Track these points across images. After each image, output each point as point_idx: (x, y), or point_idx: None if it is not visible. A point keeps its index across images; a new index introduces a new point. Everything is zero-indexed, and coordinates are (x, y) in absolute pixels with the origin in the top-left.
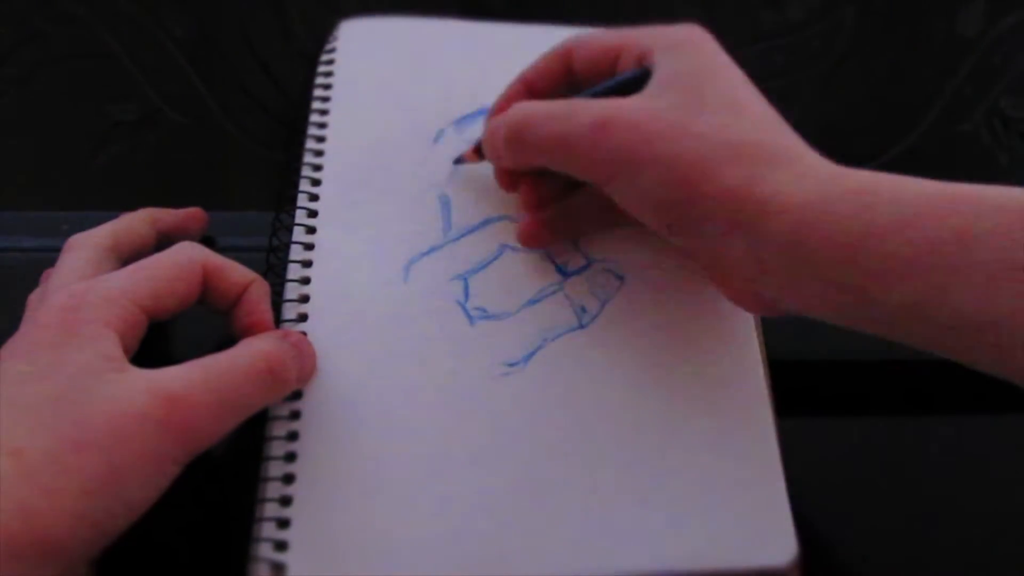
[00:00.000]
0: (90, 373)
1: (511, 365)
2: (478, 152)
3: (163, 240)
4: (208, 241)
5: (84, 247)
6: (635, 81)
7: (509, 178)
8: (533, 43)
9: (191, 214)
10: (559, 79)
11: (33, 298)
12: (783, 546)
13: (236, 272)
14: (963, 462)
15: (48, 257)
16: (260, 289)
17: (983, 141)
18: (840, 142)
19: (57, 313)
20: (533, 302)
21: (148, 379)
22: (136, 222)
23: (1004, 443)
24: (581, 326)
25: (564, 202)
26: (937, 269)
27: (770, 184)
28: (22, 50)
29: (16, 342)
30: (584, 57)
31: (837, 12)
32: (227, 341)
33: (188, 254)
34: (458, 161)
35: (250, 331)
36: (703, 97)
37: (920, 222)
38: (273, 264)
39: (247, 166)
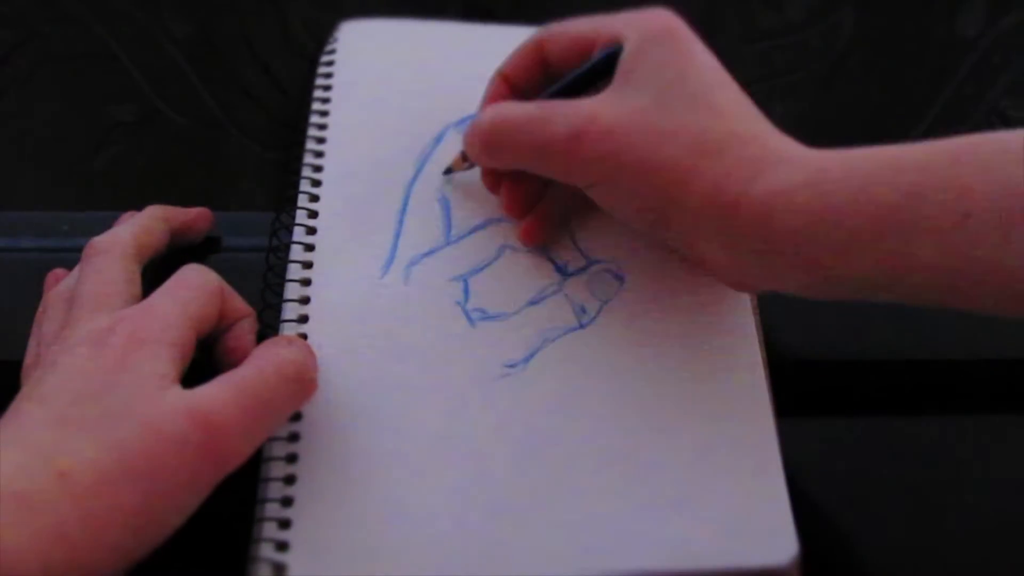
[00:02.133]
0: (139, 393)
1: (511, 366)
2: (466, 158)
3: (173, 239)
4: (213, 241)
5: (111, 254)
6: (606, 61)
7: (492, 178)
8: None
9: (201, 214)
10: (535, 71)
11: (53, 295)
12: (783, 545)
13: (238, 300)
14: (963, 462)
15: (48, 257)
16: (253, 323)
17: None
18: (840, 142)
19: (120, 338)
20: (533, 303)
21: (188, 402)
22: (153, 223)
23: (1003, 443)
24: (581, 326)
25: (551, 193)
26: (892, 233)
27: (737, 181)
28: (22, 50)
29: (78, 357)
30: (557, 48)
31: (837, 12)
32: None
33: (210, 276)
34: (447, 171)
35: (232, 355)
36: (676, 93)
37: (870, 190)
38: (273, 264)
39: (247, 166)
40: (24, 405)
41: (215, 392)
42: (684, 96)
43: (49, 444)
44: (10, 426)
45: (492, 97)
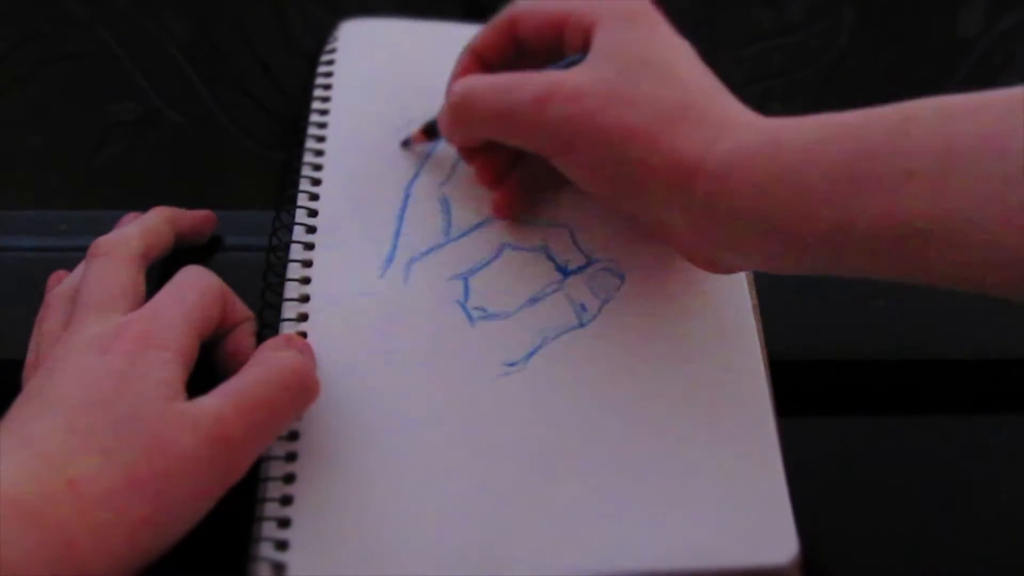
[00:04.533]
0: (148, 403)
1: (511, 364)
2: (426, 132)
3: (177, 241)
4: (215, 240)
5: (117, 255)
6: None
7: (467, 152)
8: None
9: (206, 217)
10: (507, 49)
11: (55, 294)
12: (784, 545)
13: (239, 304)
14: (963, 462)
15: (47, 257)
16: (252, 326)
17: None
18: None
19: (127, 344)
20: (533, 301)
21: (195, 417)
22: (160, 224)
23: (1004, 443)
24: (581, 325)
25: (522, 165)
26: (842, 191)
27: (696, 146)
28: (22, 50)
29: (85, 362)
30: (529, 26)
31: (837, 12)
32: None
33: (213, 279)
34: (405, 143)
35: (232, 359)
36: (641, 66)
37: (822, 149)
38: (273, 264)
39: (247, 166)
40: (30, 408)
41: (221, 405)
42: (648, 68)
43: (57, 452)
44: (17, 430)
45: (462, 73)
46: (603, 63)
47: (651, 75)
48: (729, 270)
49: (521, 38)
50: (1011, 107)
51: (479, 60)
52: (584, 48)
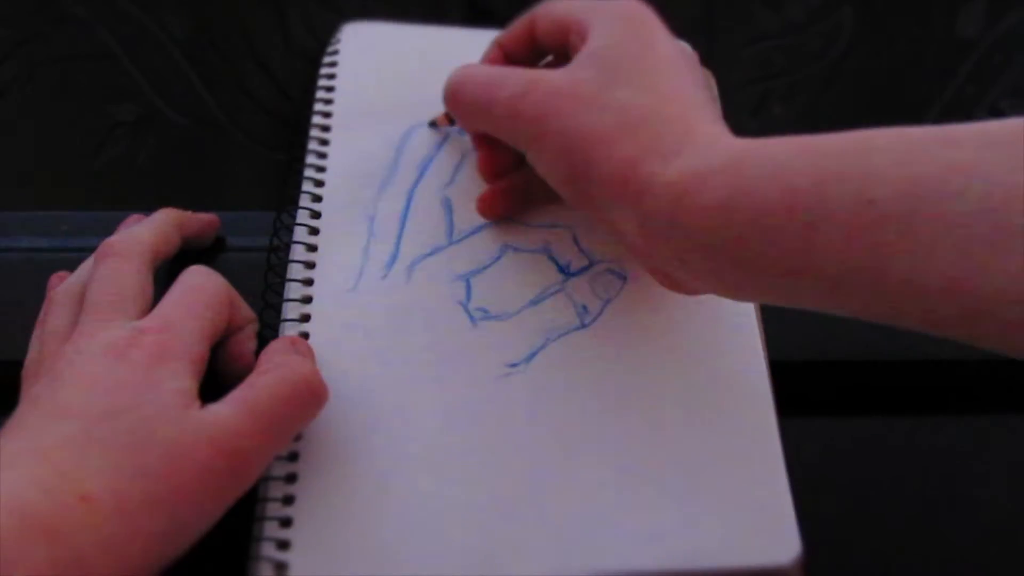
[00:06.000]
0: (163, 415)
1: (513, 365)
2: (448, 117)
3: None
4: (219, 242)
5: (129, 257)
6: None
7: (477, 140)
8: None
9: (211, 222)
10: (526, 45)
11: (61, 291)
12: (786, 545)
13: (244, 306)
14: (963, 462)
15: (48, 257)
16: (255, 329)
17: None
18: None
19: (142, 353)
20: (535, 302)
21: (210, 430)
22: (169, 228)
23: (1004, 443)
24: (583, 326)
25: (517, 172)
26: (798, 219)
27: (654, 157)
28: (22, 50)
29: (98, 370)
30: (543, 27)
31: (837, 12)
32: None
33: (220, 283)
34: (432, 124)
35: (235, 362)
36: (620, 71)
37: (782, 175)
38: (274, 264)
39: (247, 166)
40: (41, 414)
41: (236, 415)
42: (627, 73)
43: (71, 465)
44: (28, 438)
45: (485, 60)
46: (584, 65)
47: (627, 81)
48: (691, 291)
49: (538, 38)
50: (977, 143)
51: (503, 52)
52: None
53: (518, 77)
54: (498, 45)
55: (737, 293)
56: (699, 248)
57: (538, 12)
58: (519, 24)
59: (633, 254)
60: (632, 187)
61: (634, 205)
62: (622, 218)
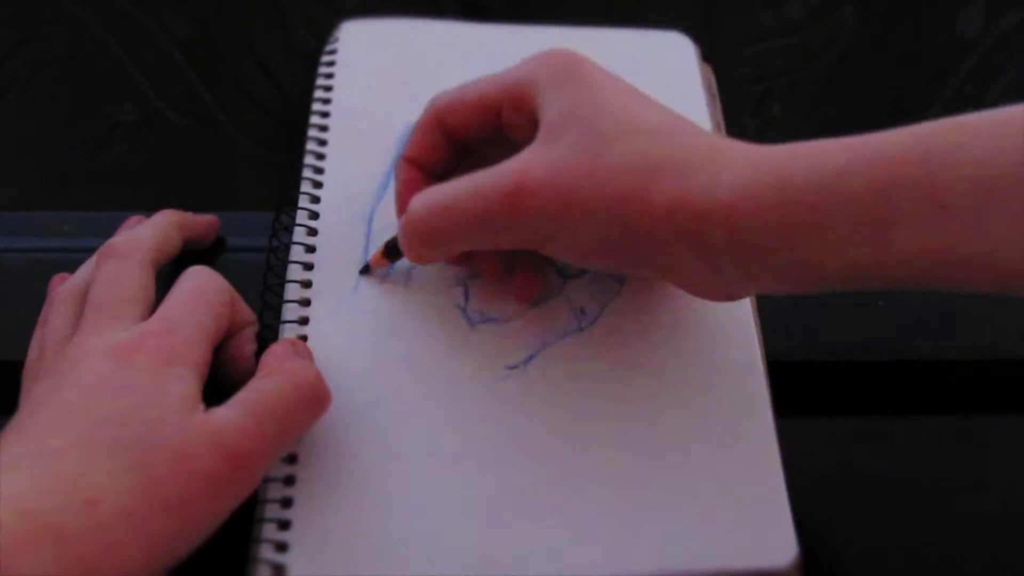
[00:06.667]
0: (168, 419)
1: (511, 368)
2: (386, 254)
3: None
4: (219, 242)
5: (132, 258)
6: None
7: (455, 259)
8: (533, 44)
9: (212, 223)
10: (442, 148)
11: (62, 291)
12: (783, 547)
13: (244, 307)
14: (963, 462)
15: (48, 257)
16: (254, 331)
17: None
18: None
19: (148, 357)
20: (533, 305)
21: (215, 435)
22: (171, 230)
23: (1004, 443)
24: (580, 329)
25: (525, 254)
26: (866, 228)
27: (699, 191)
28: (22, 50)
29: (103, 373)
30: (459, 120)
31: (837, 12)
32: None
33: (222, 284)
34: (364, 271)
35: (235, 363)
36: (600, 131)
37: (842, 187)
38: (273, 265)
39: (247, 166)
40: (46, 416)
41: (241, 419)
42: (611, 129)
43: (76, 469)
44: (33, 441)
45: (404, 184)
46: (559, 137)
47: (614, 135)
48: (744, 296)
49: (453, 133)
50: None
51: (417, 166)
52: (530, 124)
53: (493, 176)
54: (408, 161)
55: (800, 290)
56: (766, 264)
57: (440, 107)
58: (421, 130)
59: (690, 290)
60: (688, 222)
61: (696, 238)
62: (684, 259)
